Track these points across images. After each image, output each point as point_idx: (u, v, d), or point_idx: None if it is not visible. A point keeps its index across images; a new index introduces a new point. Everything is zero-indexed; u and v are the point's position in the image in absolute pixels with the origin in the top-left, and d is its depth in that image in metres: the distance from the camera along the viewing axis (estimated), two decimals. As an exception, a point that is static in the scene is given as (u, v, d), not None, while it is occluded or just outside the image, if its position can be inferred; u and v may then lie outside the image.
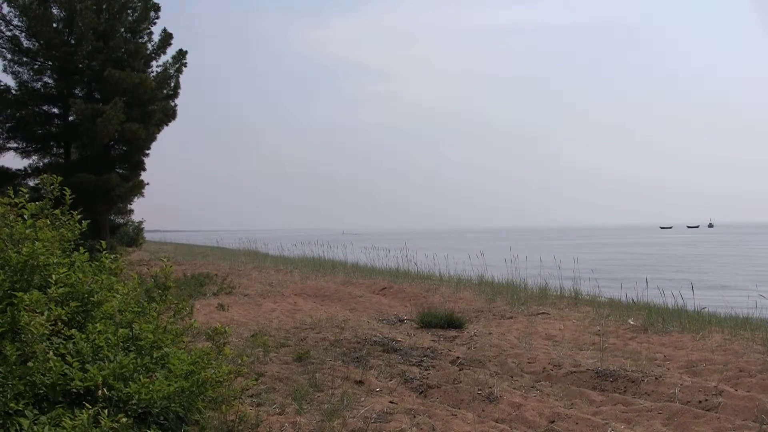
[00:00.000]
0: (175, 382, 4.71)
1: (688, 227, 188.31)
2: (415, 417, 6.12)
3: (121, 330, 5.00)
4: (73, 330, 4.84)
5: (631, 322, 11.36)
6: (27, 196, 5.71)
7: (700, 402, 6.54)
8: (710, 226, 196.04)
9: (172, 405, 4.78)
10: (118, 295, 5.45)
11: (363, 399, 6.74)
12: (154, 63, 30.29)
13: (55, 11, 27.40)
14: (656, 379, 7.32)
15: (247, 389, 5.68)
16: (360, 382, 7.45)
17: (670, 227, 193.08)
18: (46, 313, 4.62)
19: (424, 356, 8.99)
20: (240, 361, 6.37)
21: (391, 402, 6.67)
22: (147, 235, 62.07)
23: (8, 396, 4.24)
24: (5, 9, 27.05)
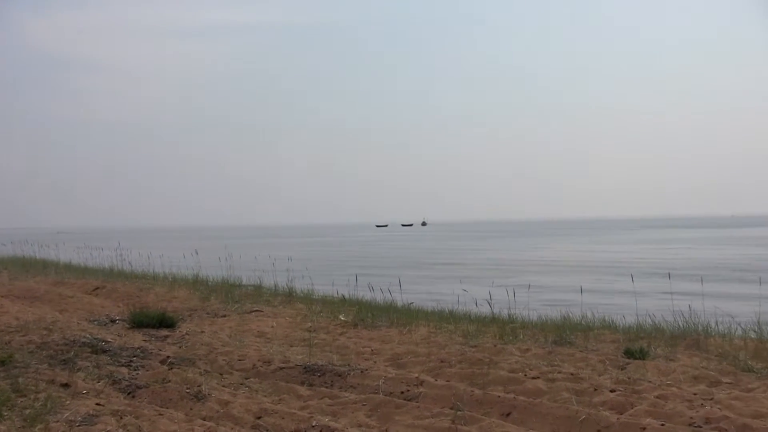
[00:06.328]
0: None
1: (402, 225, 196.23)
2: (122, 418, 5.92)
3: None
4: None
5: (342, 318, 11.65)
6: None
7: (402, 392, 6.79)
8: (423, 224, 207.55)
9: None
10: None
11: (68, 402, 6.36)
12: None
13: None
14: (362, 372, 7.52)
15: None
16: (66, 385, 7.04)
17: (386, 225, 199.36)
18: None
19: (134, 356, 8.71)
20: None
21: (97, 404, 6.37)
22: None
23: None
24: None
